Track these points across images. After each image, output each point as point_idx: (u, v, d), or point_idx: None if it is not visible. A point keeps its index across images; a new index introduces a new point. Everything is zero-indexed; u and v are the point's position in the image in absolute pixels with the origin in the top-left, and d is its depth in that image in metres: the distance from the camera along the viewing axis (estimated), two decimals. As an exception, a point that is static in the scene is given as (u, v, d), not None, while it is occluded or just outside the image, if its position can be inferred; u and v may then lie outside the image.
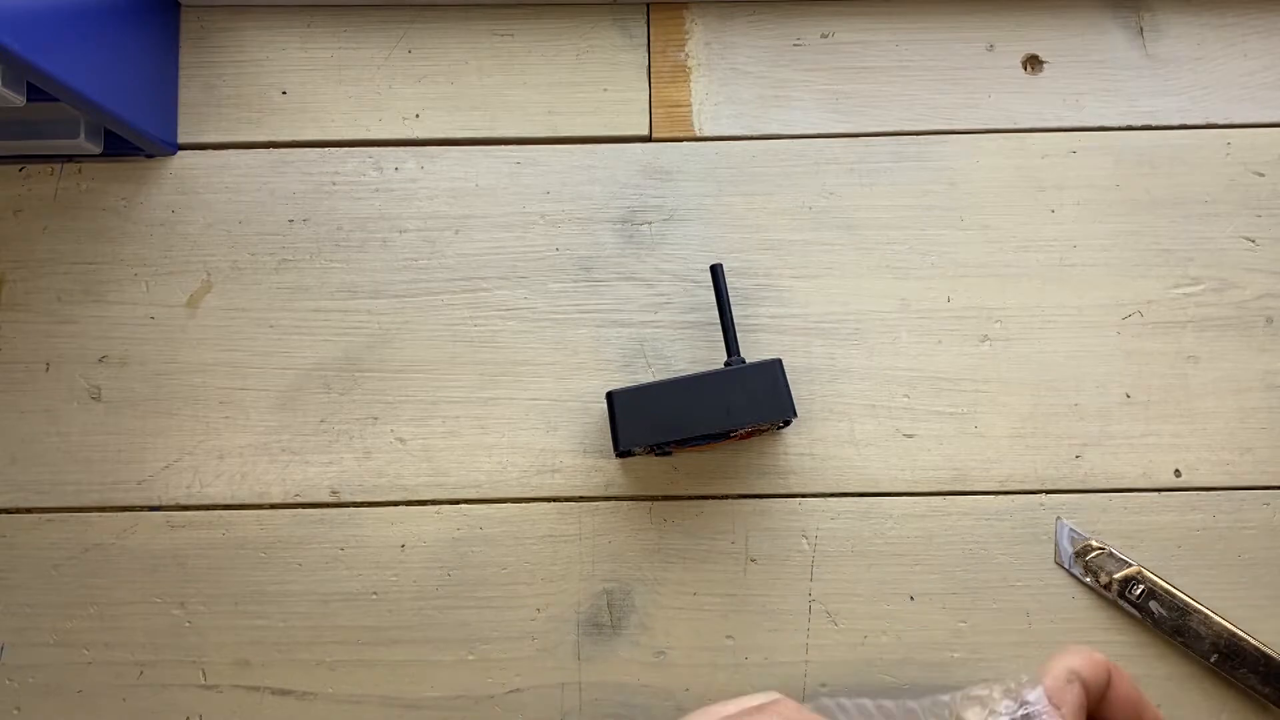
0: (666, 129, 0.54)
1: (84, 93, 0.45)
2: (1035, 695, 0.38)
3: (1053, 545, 0.50)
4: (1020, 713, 0.37)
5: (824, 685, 0.49)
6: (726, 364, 0.48)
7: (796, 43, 0.54)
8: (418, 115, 0.54)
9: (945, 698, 0.40)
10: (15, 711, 0.49)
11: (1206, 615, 0.49)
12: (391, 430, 0.51)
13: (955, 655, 0.49)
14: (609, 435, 0.49)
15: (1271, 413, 0.51)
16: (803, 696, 0.49)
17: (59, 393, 0.51)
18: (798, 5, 0.55)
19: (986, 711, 0.38)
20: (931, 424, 0.51)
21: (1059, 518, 0.50)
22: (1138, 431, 0.51)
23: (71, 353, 0.52)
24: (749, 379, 0.47)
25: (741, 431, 0.48)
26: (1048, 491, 0.51)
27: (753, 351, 0.51)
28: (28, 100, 0.44)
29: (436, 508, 0.51)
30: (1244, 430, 0.51)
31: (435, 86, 0.54)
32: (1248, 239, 0.53)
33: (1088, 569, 0.50)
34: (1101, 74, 0.54)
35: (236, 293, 0.52)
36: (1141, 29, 0.54)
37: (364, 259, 0.52)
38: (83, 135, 0.50)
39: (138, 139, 0.51)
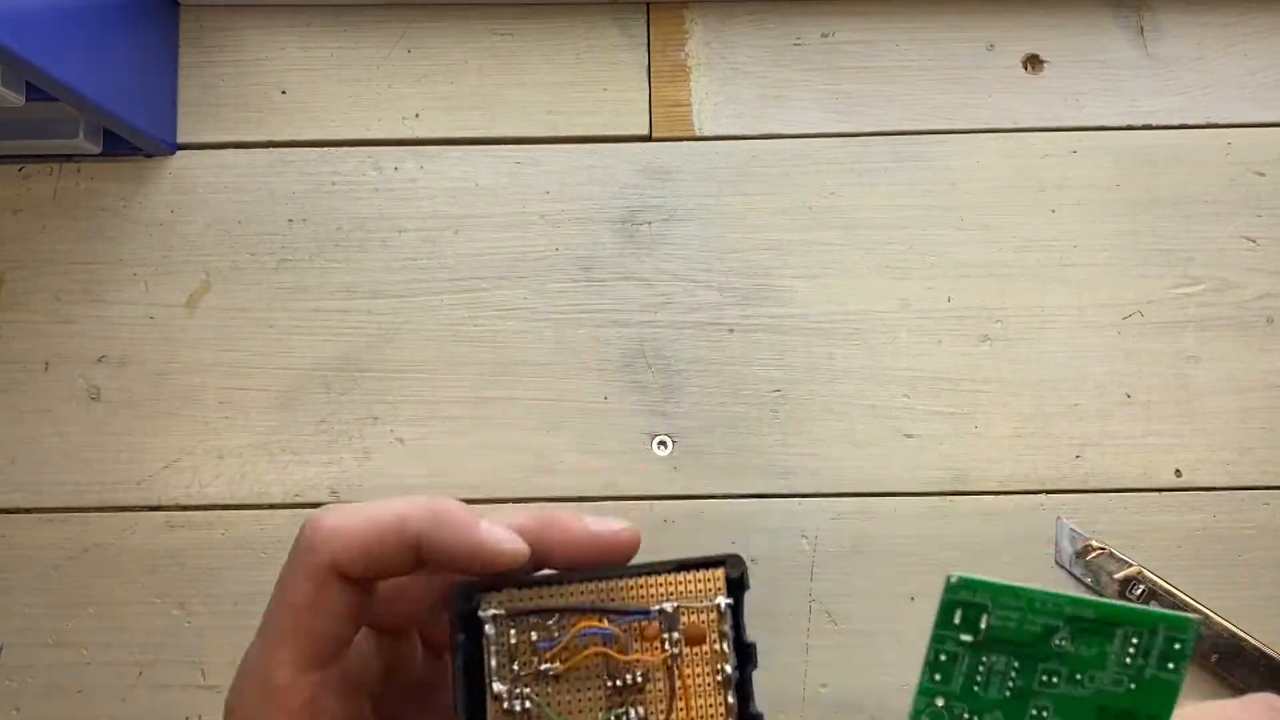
0: (666, 129, 0.53)
1: (83, 92, 0.45)
2: None
3: (1053, 545, 0.50)
4: None
5: (824, 685, 0.49)
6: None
7: (796, 42, 0.54)
8: (417, 115, 0.53)
9: None
10: (14, 712, 0.49)
11: (1207, 615, 0.49)
12: (391, 430, 0.51)
13: (955, 655, 0.49)
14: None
15: (1272, 413, 0.51)
16: (803, 697, 0.49)
17: (58, 393, 0.51)
18: (798, 4, 0.55)
19: None
20: (931, 424, 0.51)
21: (1059, 518, 0.50)
22: (1138, 431, 0.51)
23: (70, 353, 0.52)
24: None
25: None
26: (1048, 492, 0.51)
27: (753, 351, 0.51)
28: (26, 100, 0.44)
29: (436, 508, 0.51)
30: (1244, 430, 0.51)
31: (435, 86, 0.54)
32: (1248, 239, 0.53)
33: (1088, 569, 0.50)
34: (1102, 74, 0.54)
35: (236, 293, 0.52)
36: (1142, 29, 0.54)
37: (363, 259, 0.52)
38: (82, 135, 0.49)
39: (136, 138, 0.51)
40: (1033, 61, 0.54)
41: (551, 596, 0.26)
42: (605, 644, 0.26)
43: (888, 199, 0.53)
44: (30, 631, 0.50)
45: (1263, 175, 0.53)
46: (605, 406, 0.51)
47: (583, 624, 0.26)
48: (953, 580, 0.27)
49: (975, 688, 0.27)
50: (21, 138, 0.50)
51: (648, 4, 0.55)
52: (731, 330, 0.52)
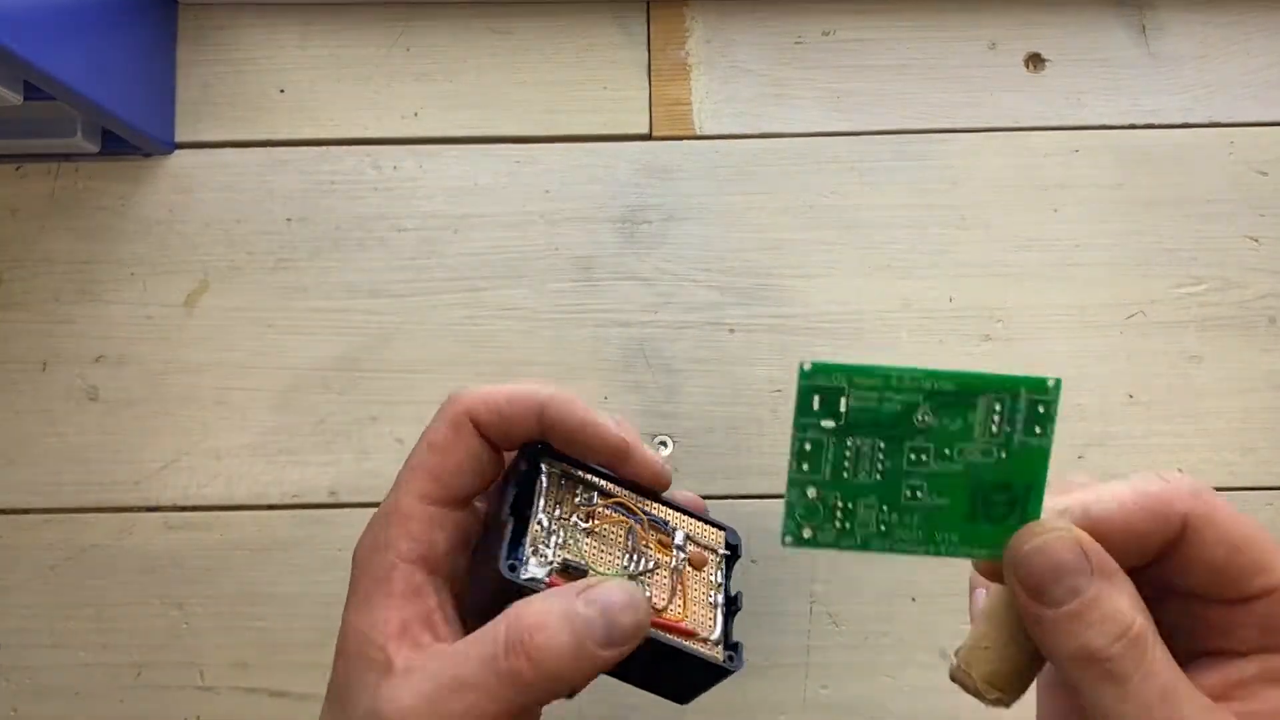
0: (667, 127, 0.53)
1: (81, 91, 0.44)
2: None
3: (1055, 546, 0.50)
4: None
5: (825, 687, 0.49)
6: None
7: (798, 40, 0.54)
8: (416, 113, 0.53)
9: None
10: (12, 713, 0.49)
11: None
12: (390, 431, 0.51)
13: (957, 657, 0.49)
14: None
15: (1275, 413, 0.51)
16: (804, 699, 0.49)
17: (55, 393, 0.51)
18: (799, 2, 0.54)
19: None
20: (933, 424, 0.51)
21: (1061, 519, 0.50)
22: (1140, 432, 0.51)
23: (68, 352, 0.52)
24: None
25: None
26: (1050, 492, 0.50)
27: (753, 351, 0.51)
28: (24, 99, 0.44)
29: (435, 508, 0.50)
30: (1247, 431, 0.51)
31: (434, 84, 0.54)
32: (1251, 238, 0.52)
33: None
34: (1104, 72, 0.54)
35: (234, 292, 0.52)
36: (1144, 27, 0.54)
37: (362, 258, 0.52)
38: (79, 134, 0.49)
39: (135, 137, 0.50)
40: (1035, 60, 0.54)
41: (601, 482, 0.32)
42: (629, 520, 0.32)
43: (889, 198, 0.53)
44: (27, 632, 0.50)
45: (1265, 175, 0.53)
46: (605, 406, 0.51)
47: (615, 501, 0.32)
48: (806, 367, 0.26)
49: (845, 473, 0.26)
50: (19, 137, 0.49)
51: (648, 2, 0.54)
52: (732, 330, 0.52)
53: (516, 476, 0.31)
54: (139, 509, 0.51)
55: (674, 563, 0.32)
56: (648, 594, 0.31)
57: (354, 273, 0.52)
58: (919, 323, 0.52)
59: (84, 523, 0.50)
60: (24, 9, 0.41)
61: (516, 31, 0.54)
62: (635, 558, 0.32)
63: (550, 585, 0.29)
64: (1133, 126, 0.53)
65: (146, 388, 0.51)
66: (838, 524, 0.26)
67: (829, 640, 0.49)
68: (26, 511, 0.50)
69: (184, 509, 0.51)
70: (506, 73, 0.54)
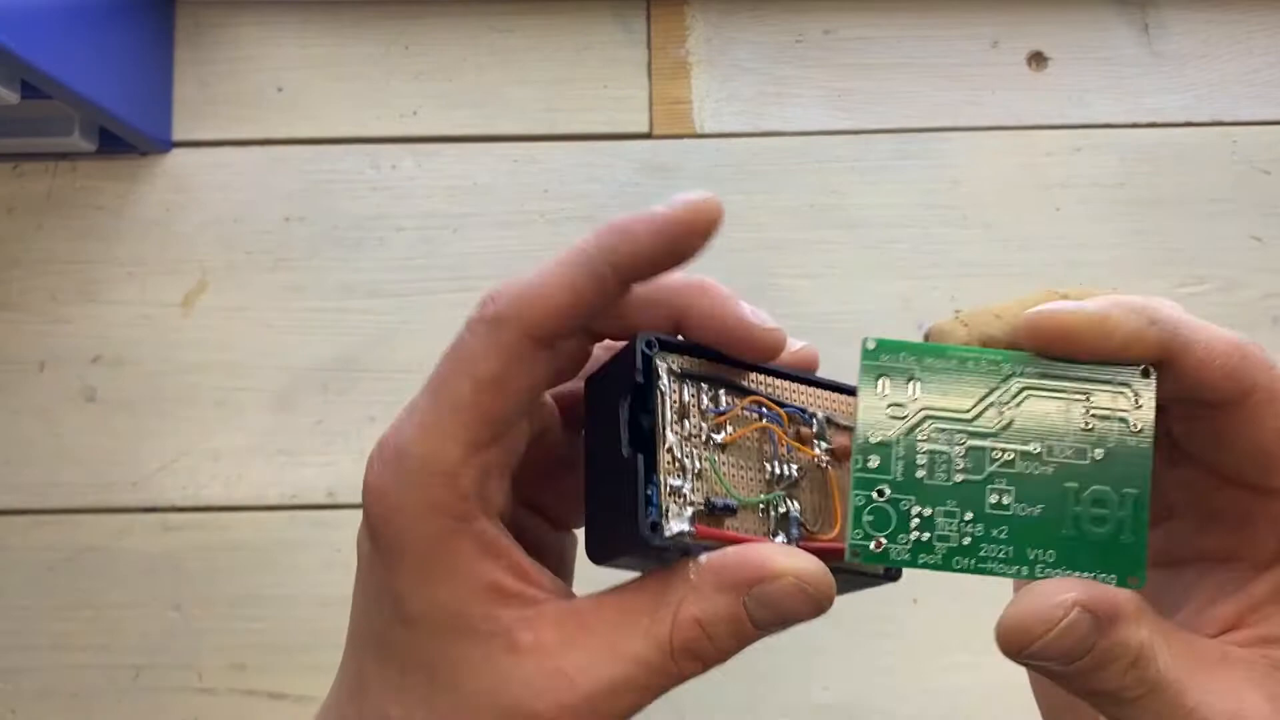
0: (667, 126, 0.53)
1: (78, 90, 0.44)
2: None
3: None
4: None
5: (826, 688, 0.49)
6: None
7: (798, 39, 0.54)
8: (415, 112, 0.53)
9: None
10: (10, 715, 0.49)
11: (1212, 618, 0.49)
12: (389, 431, 0.51)
13: (959, 659, 0.49)
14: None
15: (1277, 413, 0.51)
16: (805, 700, 0.49)
17: (53, 393, 0.51)
18: (799, 1, 0.54)
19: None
20: (934, 424, 0.51)
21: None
22: (1142, 432, 0.51)
23: (66, 353, 0.51)
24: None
25: None
26: (1052, 493, 0.50)
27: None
28: (21, 98, 0.44)
29: (434, 509, 0.50)
30: (1250, 431, 0.51)
31: (433, 83, 0.53)
32: (1254, 238, 0.52)
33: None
34: (1106, 71, 0.53)
35: (232, 292, 0.52)
36: (1147, 25, 0.54)
37: (361, 258, 0.52)
38: (77, 133, 0.49)
39: (132, 136, 0.50)
40: (1037, 59, 0.54)
41: (722, 371, 0.26)
42: (769, 425, 0.26)
43: (890, 197, 0.52)
44: (25, 634, 0.50)
45: (1268, 174, 0.53)
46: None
47: (751, 399, 0.25)
48: (870, 345, 0.23)
49: (919, 473, 0.22)
50: (16, 136, 0.49)
51: (648, 0, 0.54)
52: (732, 330, 0.51)
53: (628, 386, 0.24)
54: (137, 510, 0.50)
55: (817, 459, 0.26)
56: (795, 510, 0.25)
57: (352, 272, 0.52)
58: (920, 323, 0.51)
59: (82, 524, 0.50)
60: (22, 8, 0.41)
61: (516, 30, 0.54)
62: (778, 467, 0.26)
63: (697, 535, 0.24)
64: (1135, 125, 0.53)
65: (144, 388, 0.51)
66: (914, 534, 0.22)
67: (831, 641, 0.49)
68: (23, 513, 0.50)
69: (182, 510, 0.50)
70: (506, 71, 0.53)
